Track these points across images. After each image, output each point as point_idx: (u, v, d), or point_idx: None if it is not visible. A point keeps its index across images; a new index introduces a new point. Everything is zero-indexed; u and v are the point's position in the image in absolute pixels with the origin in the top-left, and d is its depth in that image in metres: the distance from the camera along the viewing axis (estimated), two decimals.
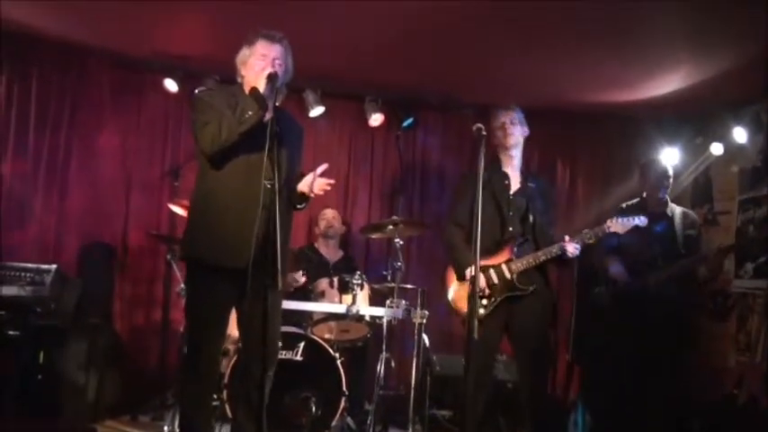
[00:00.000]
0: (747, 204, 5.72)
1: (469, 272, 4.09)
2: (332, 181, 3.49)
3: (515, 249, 4.18)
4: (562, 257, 4.15)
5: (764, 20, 4.14)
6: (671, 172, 5.12)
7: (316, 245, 5.99)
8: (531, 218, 4.25)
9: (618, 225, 4.22)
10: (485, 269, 4.15)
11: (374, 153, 6.64)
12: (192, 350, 3.50)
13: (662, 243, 4.84)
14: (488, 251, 4.17)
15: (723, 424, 5.04)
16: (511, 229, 4.23)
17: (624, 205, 5.17)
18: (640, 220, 4.29)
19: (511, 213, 4.24)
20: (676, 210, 5.06)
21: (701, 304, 5.95)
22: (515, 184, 4.32)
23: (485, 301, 4.14)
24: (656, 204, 5.02)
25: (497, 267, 4.17)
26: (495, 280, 4.16)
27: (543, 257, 4.15)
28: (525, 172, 4.40)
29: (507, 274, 4.15)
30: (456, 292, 4.25)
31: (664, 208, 5.02)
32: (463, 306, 4.08)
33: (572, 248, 4.12)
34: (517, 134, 4.31)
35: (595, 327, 5.24)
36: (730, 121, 5.61)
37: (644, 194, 5.13)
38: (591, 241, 4.20)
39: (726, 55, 4.82)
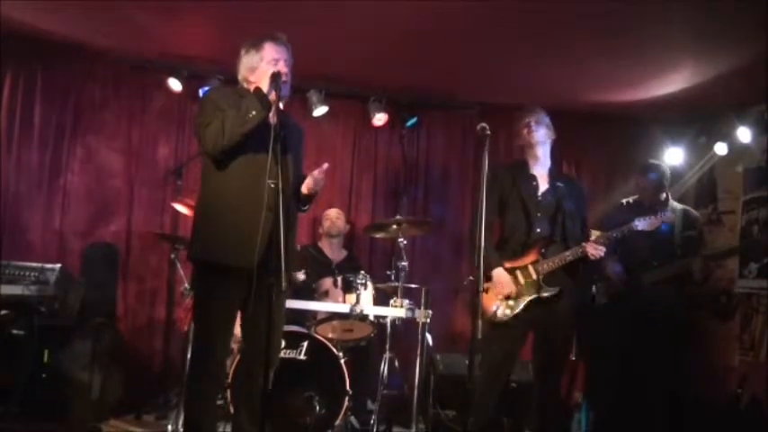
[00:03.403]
0: (752, 204, 5.71)
1: (495, 273, 4.13)
2: (325, 166, 3.45)
3: (543, 251, 4.16)
4: (587, 258, 4.12)
5: None
6: (668, 175, 5.10)
7: (319, 244, 5.99)
8: (560, 218, 4.21)
9: (645, 223, 4.19)
10: (512, 271, 4.17)
11: (378, 153, 6.63)
12: (199, 350, 3.50)
13: (659, 242, 4.78)
14: (516, 253, 4.19)
15: (726, 423, 5.04)
16: (539, 230, 4.19)
17: (624, 201, 5.17)
18: (666, 216, 4.29)
19: (539, 215, 4.21)
20: (677, 208, 5.04)
21: (699, 303, 5.95)
22: (543, 184, 4.28)
23: (511, 302, 4.13)
24: (656, 203, 5.00)
25: (524, 269, 4.16)
26: (522, 281, 4.15)
27: (570, 258, 4.11)
28: (554, 172, 4.36)
29: (534, 276, 4.13)
30: (483, 294, 4.19)
31: (664, 207, 4.96)
32: (488, 307, 4.11)
33: (592, 249, 4.08)
34: (543, 133, 4.28)
35: (596, 324, 5.23)
36: (735, 121, 5.60)
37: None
38: (617, 239, 4.20)
39: (730, 55, 4.81)
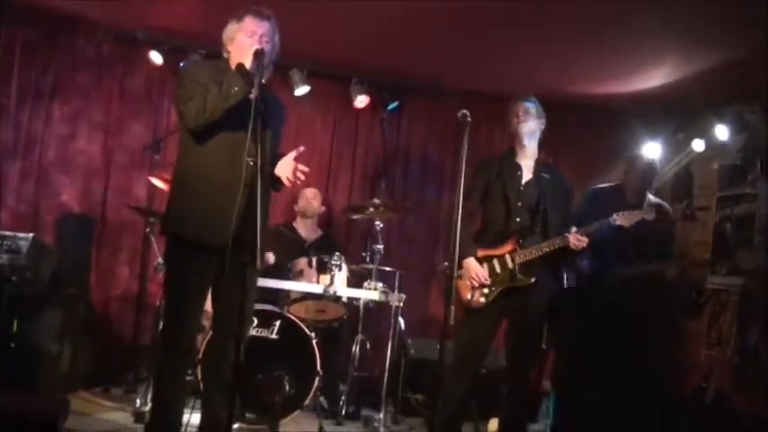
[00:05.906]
0: (726, 201, 5.77)
1: (465, 263, 4.13)
2: (306, 169, 3.44)
3: (521, 241, 4.15)
4: (567, 250, 4.11)
5: (752, 20, 4.16)
6: (657, 174, 5.13)
7: (294, 224, 5.98)
8: (541, 210, 4.19)
9: (624, 218, 4.17)
10: (488, 259, 4.17)
11: (358, 135, 6.61)
12: (170, 325, 3.49)
13: (634, 234, 4.68)
14: (494, 242, 4.19)
15: (691, 417, 5.11)
16: (518, 219, 4.18)
17: (600, 186, 5.13)
18: (647, 214, 4.29)
19: (519, 204, 4.19)
20: (652, 201, 5.04)
21: (669, 298, 6.01)
22: (528, 174, 4.25)
23: (486, 290, 4.13)
24: (634, 195, 4.98)
25: (501, 258, 4.16)
26: (498, 270, 4.15)
27: (547, 249, 4.10)
28: (540, 163, 4.31)
29: (510, 265, 4.13)
30: (459, 280, 4.17)
31: (642, 199, 4.96)
32: (463, 294, 4.13)
33: (575, 240, 4.05)
34: (531, 123, 4.24)
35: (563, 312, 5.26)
36: (712, 119, 5.66)
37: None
38: (595, 233, 4.16)
39: (712, 53, 4.84)
